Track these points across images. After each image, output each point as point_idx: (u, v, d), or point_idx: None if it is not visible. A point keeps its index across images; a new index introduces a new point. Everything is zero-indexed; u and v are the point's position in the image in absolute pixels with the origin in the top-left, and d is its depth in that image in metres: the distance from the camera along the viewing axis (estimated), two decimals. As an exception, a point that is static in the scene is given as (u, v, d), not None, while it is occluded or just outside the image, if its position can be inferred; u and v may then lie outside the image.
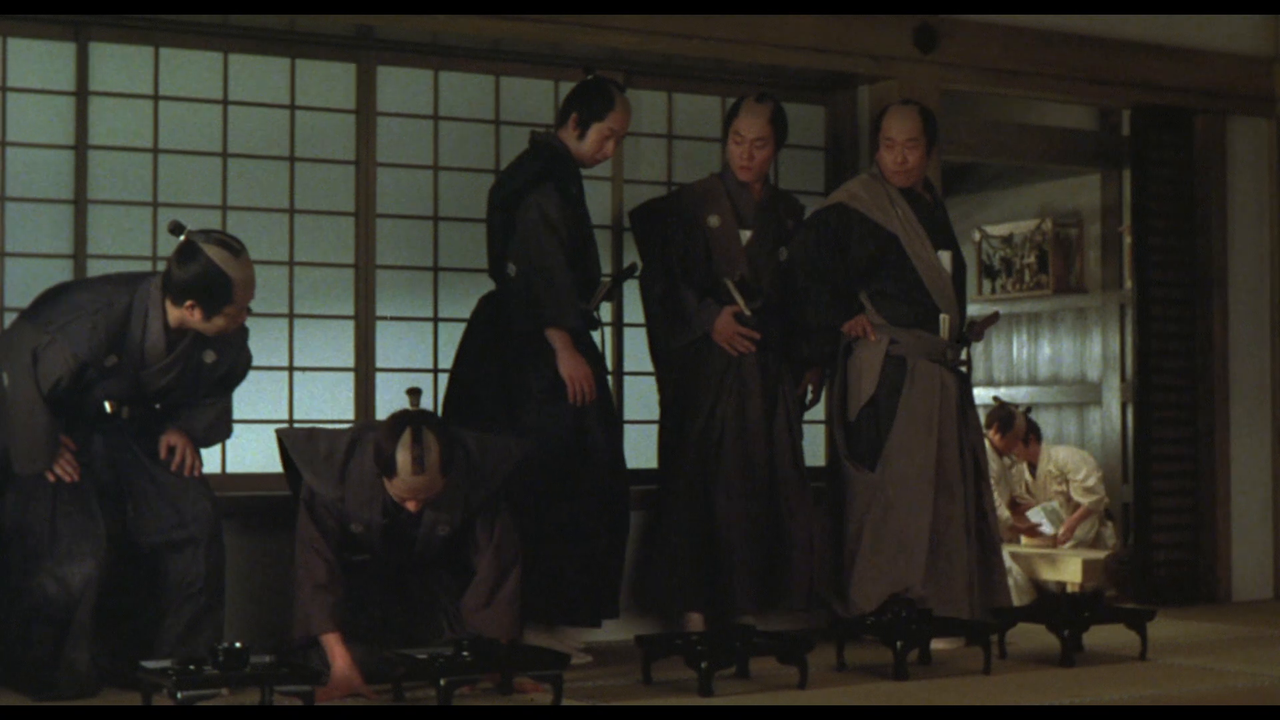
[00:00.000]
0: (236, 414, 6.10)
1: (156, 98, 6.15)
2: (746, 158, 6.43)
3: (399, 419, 5.29)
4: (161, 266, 5.59)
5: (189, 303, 5.20)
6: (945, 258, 6.56)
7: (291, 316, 6.30)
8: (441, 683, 4.90)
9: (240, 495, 5.91)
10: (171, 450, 5.40)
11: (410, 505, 5.33)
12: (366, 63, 6.42)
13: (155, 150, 6.14)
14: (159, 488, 5.38)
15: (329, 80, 6.39)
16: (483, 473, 5.48)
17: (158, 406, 5.43)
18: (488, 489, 5.48)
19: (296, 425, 6.23)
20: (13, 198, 5.94)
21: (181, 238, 5.20)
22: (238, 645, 4.81)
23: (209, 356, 5.39)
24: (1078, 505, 8.75)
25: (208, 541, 5.37)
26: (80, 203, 6.00)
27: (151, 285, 5.28)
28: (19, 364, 5.18)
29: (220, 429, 5.57)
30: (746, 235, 6.47)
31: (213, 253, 5.17)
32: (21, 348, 5.19)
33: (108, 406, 5.32)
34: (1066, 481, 8.77)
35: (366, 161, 6.41)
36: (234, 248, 5.23)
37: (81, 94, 6.03)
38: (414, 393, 5.39)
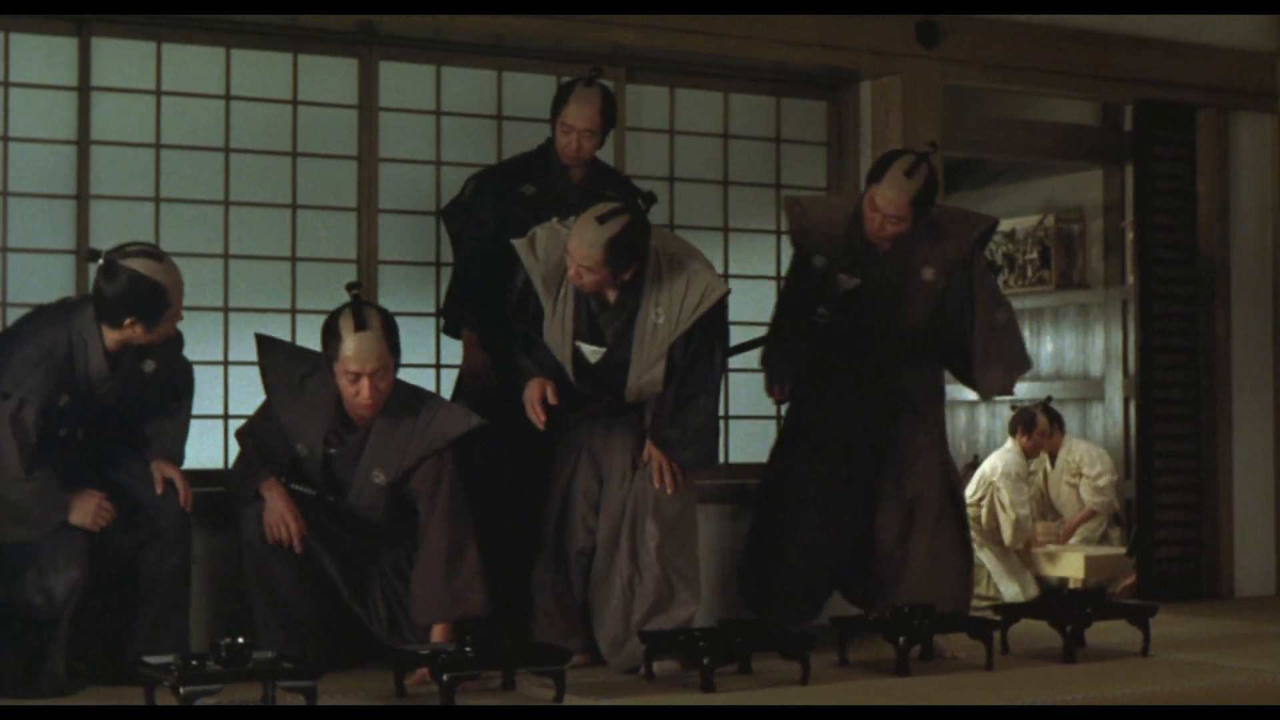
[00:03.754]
0: (235, 410, 6.13)
1: (159, 93, 6.15)
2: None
3: (341, 305, 5.46)
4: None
5: (128, 320, 5.18)
6: (592, 351, 5.73)
7: (294, 312, 6.30)
8: (444, 678, 4.91)
9: (217, 492, 5.88)
10: (169, 482, 5.40)
11: (365, 391, 5.36)
12: (368, 58, 6.42)
13: (157, 145, 6.14)
14: (130, 495, 5.37)
15: (331, 75, 6.39)
16: (428, 429, 5.50)
17: (121, 429, 5.44)
18: (429, 447, 5.49)
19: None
20: (15, 193, 5.94)
21: (100, 262, 5.19)
22: (240, 640, 4.81)
23: (149, 366, 5.40)
24: (1080, 503, 8.76)
25: (174, 539, 5.38)
26: (83, 198, 6.00)
27: (83, 316, 5.24)
28: (1, 442, 5.09)
29: (184, 436, 5.60)
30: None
31: (139, 265, 5.17)
32: None
33: (60, 432, 5.28)
34: (1080, 476, 8.78)
35: (368, 157, 6.41)
36: (155, 254, 5.25)
37: (84, 89, 6.03)
38: (352, 286, 5.52)
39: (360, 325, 5.36)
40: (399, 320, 6.35)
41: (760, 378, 7.07)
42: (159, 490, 5.39)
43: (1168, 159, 7.77)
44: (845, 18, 6.89)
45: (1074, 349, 9.45)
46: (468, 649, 5.05)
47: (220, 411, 6.16)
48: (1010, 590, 8.42)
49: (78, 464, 5.32)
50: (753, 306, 7.05)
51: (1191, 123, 7.79)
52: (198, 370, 6.03)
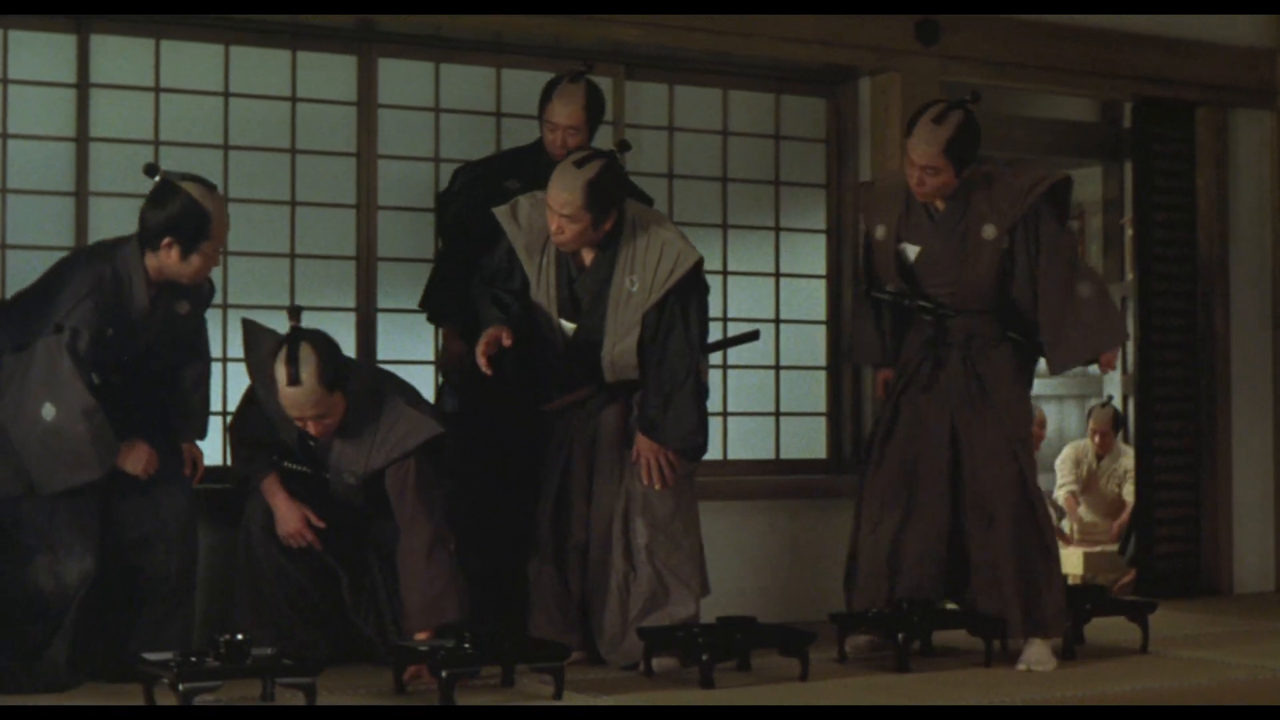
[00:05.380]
0: (234, 407, 6.11)
1: (158, 90, 6.15)
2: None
3: (281, 336, 5.34)
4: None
5: (166, 241, 5.22)
6: (568, 327, 5.72)
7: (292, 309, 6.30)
8: (443, 675, 4.91)
9: (230, 489, 5.89)
10: (172, 453, 5.44)
11: (311, 429, 5.35)
12: (368, 55, 6.42)
13: (156, 142, 6.14)
14: (142, 485, 5.36)
15: (330, 72, 6.39)
16: (388, 439, 5.46)
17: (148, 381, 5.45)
18: (388, 457, 5.45)
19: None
20: (14, 190, 5.94)
21: (156, 178, 5.25)
22: (239, 637, 4.81)
23: (183, 307, 5.43)
24: (1123, 504, 8.80)
25: (179, 537, 5.39)
26: (81, 195, 5.99)
27: (128, 249, 5.29)
28: (62, 374, 5.10)
29: (208, 409, 5.65)
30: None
31: (189, 188, 5.24)
32: (55, 364, 5.11)
33: (95, 378, 5.27)
34: (1123, 483, 8.83)
35: (368, 154, 6.41)
36: (208, 184, 5.31)
37: (83, 86, 6.03)
38: (293, 312, 5.40)
39: (293, 378, 5.24)
40: (398, 318, 6.40)
41: (756, 374, 7.09)
42: (186, 471, 5.43)
43: (1167, 156, 7.76)
44: (845, 15, 6.89)
45: (1073, 346, 9.45)
46: (466, 645, 5.05)
47: (219, 408, 6.16)
48: None
49: (113, 417, 5.27)
50: (752, 303, 7.06)
51: (1191, 120, 7.79)
52: (196, 367, 6.07)
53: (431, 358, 6.50)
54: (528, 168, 6.07)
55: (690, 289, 5.66)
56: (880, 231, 6.01)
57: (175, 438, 5.50)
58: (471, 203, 6.06)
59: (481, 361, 5.57)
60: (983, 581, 5.87)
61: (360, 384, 5.49)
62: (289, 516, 5.56)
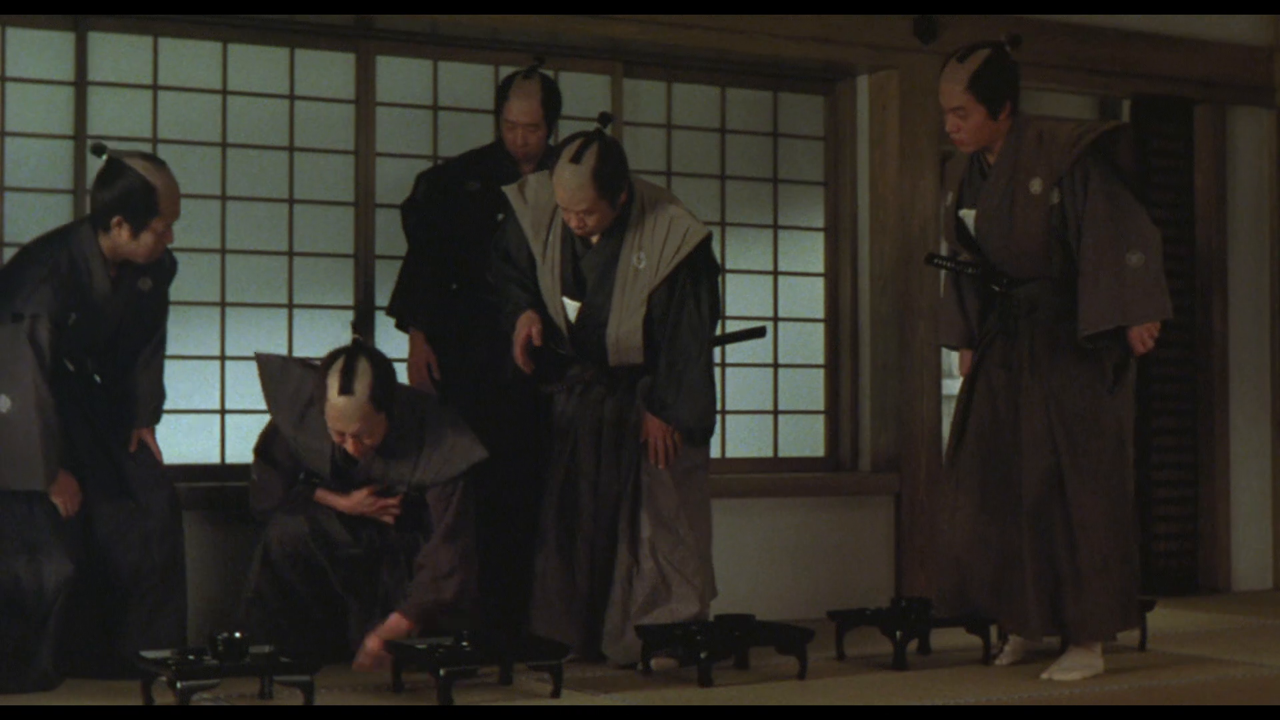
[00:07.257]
0: (231, 405, 6.13)
1: (155, 88, 6.15)
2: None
3: (340, 348, 5.35)
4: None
5: (116, 219, 5.22)
6: (572, 306, 5.66)
7: (291, 306, 6.30)
8: (441, 673, 4.91)
9: (227, 486, 5.89)
10: (143, 445, 5.42)
11: (349, 446, 5.31)
12: (365, 53, 6.42)
13: (154, 140, 6.13)
14: (122, 482, 5.35)
15: (328, 70, 6.39)
16: (431, 461, 5.44)
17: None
18: (434, 478, 5.44)
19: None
20: (12, 188, 5.93)
21: (104, 157, 5.27)
22: (237, 635, 4.81)
23: (145, 284, 5.42)
24: None
25: (160, 532, 5.36)
26: (79, 193, 5.99)
27: (82, 232, 5.30)
28: (20, 364, 5.09)
29: (161, 392, 5.56)
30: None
31: (136, 164, 5.25)
32: (14, 354, 5.10)
33: (69, 365, 5.26)
34: None
35: (365, 151, 6.41)
36: (156, 160, 5.33)
37: (80, 84, 6.02)
38: (357, 326, 5.54)
39: (345, 388, 5.22)
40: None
41: (755, 372, 7.09)
42: (132, 448, 5.39)
43: (1165, 153, 7.76)
44: (843, 13, 6.89)
45: (1071, 343, 9.44)
46: (464, 644, 5.05)
47: (217, 406, 6.17)
48: None
49: (85, 408, 5.29)
50: (751, 300, 7.06)
51: (1189, 117, 7.79)
52: (194, 365, 6.07)
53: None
54: (488, 168, 6.07)
55: (700, 266, 5.60)
56: (949, 198, 5.77)
57: (134, 424, 5.45)
58: (434, 207, 6.06)
59: (524, 365, 5.58)
60: (1009, 574, 5.63)
61: (403, 406, 5.44)
62: (355, 504, 5.50)
